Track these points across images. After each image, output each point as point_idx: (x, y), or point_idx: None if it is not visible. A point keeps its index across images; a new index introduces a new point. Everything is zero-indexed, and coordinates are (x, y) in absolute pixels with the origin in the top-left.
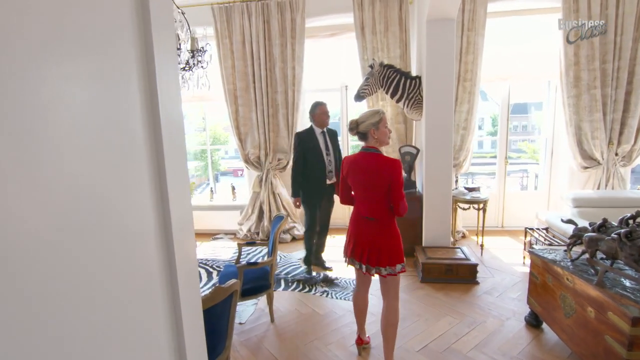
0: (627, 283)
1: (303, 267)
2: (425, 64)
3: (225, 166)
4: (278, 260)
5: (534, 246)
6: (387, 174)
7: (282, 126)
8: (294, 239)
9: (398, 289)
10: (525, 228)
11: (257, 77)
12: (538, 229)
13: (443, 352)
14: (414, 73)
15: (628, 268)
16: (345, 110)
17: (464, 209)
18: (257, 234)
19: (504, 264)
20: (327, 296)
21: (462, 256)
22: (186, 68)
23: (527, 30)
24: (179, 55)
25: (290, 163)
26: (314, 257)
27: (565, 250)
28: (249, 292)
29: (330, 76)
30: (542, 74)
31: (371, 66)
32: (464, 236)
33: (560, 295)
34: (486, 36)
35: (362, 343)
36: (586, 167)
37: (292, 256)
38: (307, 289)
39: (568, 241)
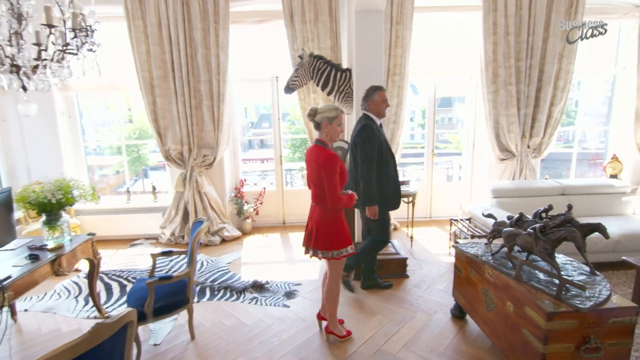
0: (542, 276)
1: (346, 281)
2: (355, 56)
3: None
4: (204, 266)
5: (459, 240)
6: (322, 167)
7: (207, 119)
8: (224, 241)
9: (336, 271)
10: (450, 219)
11: (177, 64)
12: (462, 219)
13: (373, 355)
14: (344, 65)
15: (542, 261)
16: (276, 102)
17: None
18: (183, 237)
19: (432, 255)
20: (256, 303)
21: (393, 251)
22: (66, 50)
23: (452, 27)
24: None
25: (218, 158)
26: (373, 278)
27: (485, 244)
28: (163, 310)
29: (260, 66)
30: (465, 70)
31: (301, 57)
32: (395, 228)
33: (482, 289)
34: (414, 31)
35: (321, 319)
36: (503, 159)
37: (221, 260)
38: (234, 296)
39: (488, 232)
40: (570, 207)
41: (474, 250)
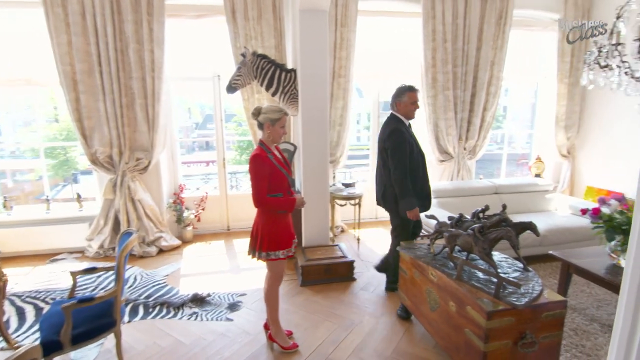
0: (481, 275)
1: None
2: (300, 57)
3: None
4: (137, 281)
5: (402, 242)
6: (249, 167)
7: (141, 119)
8: (161, 251)
9: (273, 274)
10: None
11: (105, 58)
12: None
13: None
14: (289, 65)
15: (481, 260)
16: (219, 102)
17: (341, 205)
18: (113, 249)
19: (378, 256)
20: (196, 319)
21: (340, 254)
22: None
23: (395, 32)
24: None
25: (153, 162)
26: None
27: (428, 245)
28: (84, 336)
29: (201, 64)
30: (407, 74)
31: (243, 55)
32: (342, 231)
33: (426, 290)
34: (358, 33)
35: (267, 328)
36: (442, 161)
37: (158, 273)
38: (172, 313)
39: (428, 232)
40: (504, 207)
41: (417, 251)
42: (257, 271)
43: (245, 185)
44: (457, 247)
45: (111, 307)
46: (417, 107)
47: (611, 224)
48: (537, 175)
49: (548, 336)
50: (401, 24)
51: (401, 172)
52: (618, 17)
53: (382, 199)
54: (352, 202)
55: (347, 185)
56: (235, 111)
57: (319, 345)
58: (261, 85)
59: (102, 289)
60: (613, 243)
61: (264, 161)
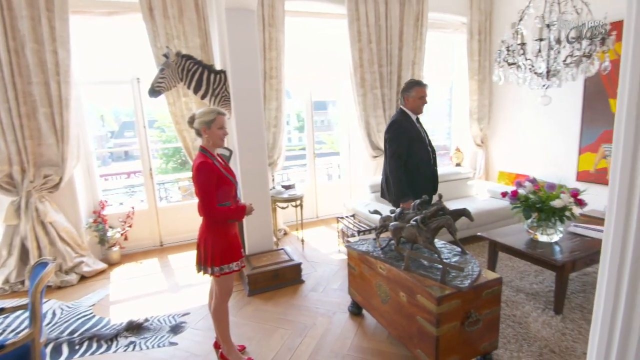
0: (426, 263)
1: None
2: (229, 58)
3: None
4: (57, 316)
5: (349, 239)
6: (193, 176)
7: (46, 130)
8: (84, 278)
9: (221, 290)
10: (337, 217)
11: None
12: (347, 216)
13: None
14: (218, 67)
15: (424, 249)
16: (140, 107)
17: (283, 207)
18: (23, 282)
19: (323, 255)
20: (134, 349)
21: (286, 257)
22: None
23: (324, 33)
24: None
25: (66, 177)
26: None
27: (374, 239)
28: None
29: (118, 66)
30: (337, 74)
31: (166, 55)
32: (285, 233)
33: (376, 283)
34: (288, 34)
35: (218, 347)
36: (375, 156)
37: (82, 303)
38: (104, 346)
39: (372, 226)
40: (440, 197)
41: (364, 247)
42: (199, 287)
43: (176, 196)
44: (402, 239)
45: (28, 353)
46: (425, 102)
47: (527, 204)
48: (458, 165)
49: (489, 312)
50: (329, 25)
51: (396, 162)
52: (520, 20)
53: (385, 190)
54: (294, 203)
55: (287, 187)
56: (156, 116)
57: (274, 355)
58: (188, 87)
59: (13, 331)
60: (530, 220)
61: (211, 168)
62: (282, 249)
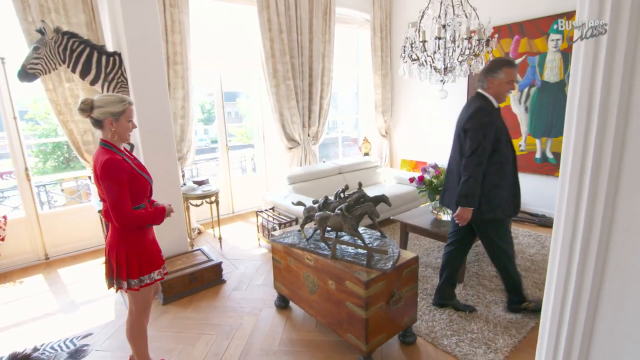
0: (351, 250)
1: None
2: (126, 39)
3: None
4: None
5: (273, 232)
6: (100, 176)
7: None
8: None
9: (137, 304)
10: (256, 211)
11: None
12: (266, 210)
13: None
14: (110, 48)
15: (348, 236)
16: (7, 94)
17: (196, 205)
18: None
19: (244, 252)
20: None
21: (204, 258)
22: None
23: (235, 19)
24: None
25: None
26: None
27: (299, 231)
28: None
29: None
30: (249, 64)
31: (41, 31)
32: (200, 232)
33: (304, 275)
34: (195, 18)
35: None
36: (290, 148)
37: None
38: None
39: (291, 218)
40: (360, 184)
41: (289, 239)
42: (100, 301)
43: (60, 200)
44: (327, 228)
45: None
46: (514, 87)
47: (431, 187)
48: (366, 154)
49: (409, 289)
50: (239, 11)
51: (478, 158)
52: (421, 19)
53: (445, 194)
54: (208, 200)
55: (200, 183)
56: (28, 106)
57: None
58: (73, 71)
59: None
60: (434, 202)
61: (121, 165)
62: (198, 249)
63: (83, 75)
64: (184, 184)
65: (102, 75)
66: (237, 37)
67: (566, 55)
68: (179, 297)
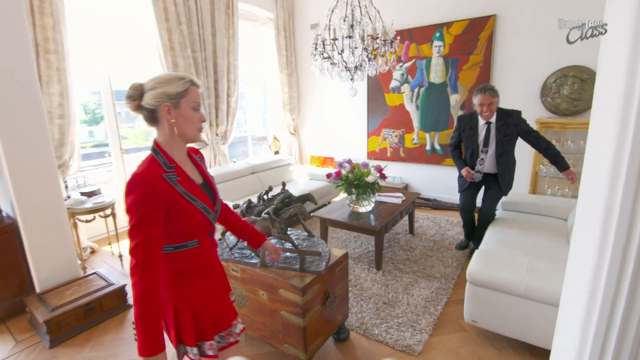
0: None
1: None
2: None
3: None
4: None
5: None
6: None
7: None
8: None
9: None
10: None
11: None
12: None
13: None
14: None
15: (277, 241)
16: None
17: (87, 220)
18: None
19: None
20: None
21: (102, 282)
22: None
23: (124, 7)
24: None
25: None
26: None
27: (219, 240)
28: None
29: None
30: (144, 57)
31: None
32: (93, 252)
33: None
34: (74, 2)
35: None
36: (198, 149)
37: None
38: None
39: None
40: (284, 184)
41: None
42: None
43: None
44: None
45: None
46: (484, 110)
47: (348, 182)
48: (276, 152)
49: (341, 287)
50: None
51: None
52: (330, 18)
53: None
54: (102, 213)
55: (90, 195)
56: None
57: None
58: None
59: None
60: (351, 196)
61: (154, 188)
62: (93, 273)
63: None
64: (68, 197)
65: None
66: (129, 27)
67: (447, 60)
68: (72, 336)
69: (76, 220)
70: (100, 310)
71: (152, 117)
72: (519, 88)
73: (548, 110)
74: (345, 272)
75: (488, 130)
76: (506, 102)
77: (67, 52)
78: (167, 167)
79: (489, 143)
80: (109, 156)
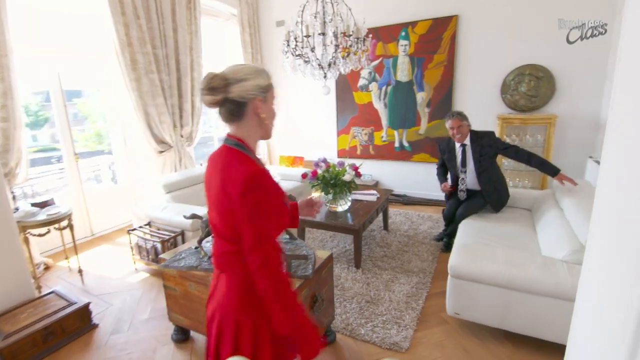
0: None
1: None
2: None
3: None
4: None
5: (162, 256)
6: (231, 194)
7: None
8: None
9: None
10: (127, 230)
11: None
12: (141, 226)
13: None
14: None
15: None
16: None
17: (41, 234)
18: None
19: (116, 281)
20: None
21: (62, 302)
22: None
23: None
24: None
25: None
26: None
27: (196, 248)
28: None
29: None
30: (98, 53)
31: None
32: (48, 268)
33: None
34: None
35: None
36: (161, 151)
37: None
38: None
39: (176, 232)
40: None
41: (185, 261)
42: None
43: None
44: None
45: None
46: (455, 133)
47: (325, 181)
48: None
49: (327, 289)
50: None
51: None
52: (302, 15)
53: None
54: (57, 226)
55: (42, 205)
56: None
57: None
58: None
59: None
60: (328, 195)
61: (274, 185)
62: (51, 292)
63: None
64: (17, 209)
65: None
66: (81, 21)
67: (413, 59)
68: None
69: (27, 235)
70: (62, 333)
71: (238, 111)
72: (481, 86)
73: (508, 107)
74: (331, 274)
75: (464, 152)
76: (469, 99)
77: (10, 48)
78: (261, 164)
79: (466, 163)
80: (57, 162)
